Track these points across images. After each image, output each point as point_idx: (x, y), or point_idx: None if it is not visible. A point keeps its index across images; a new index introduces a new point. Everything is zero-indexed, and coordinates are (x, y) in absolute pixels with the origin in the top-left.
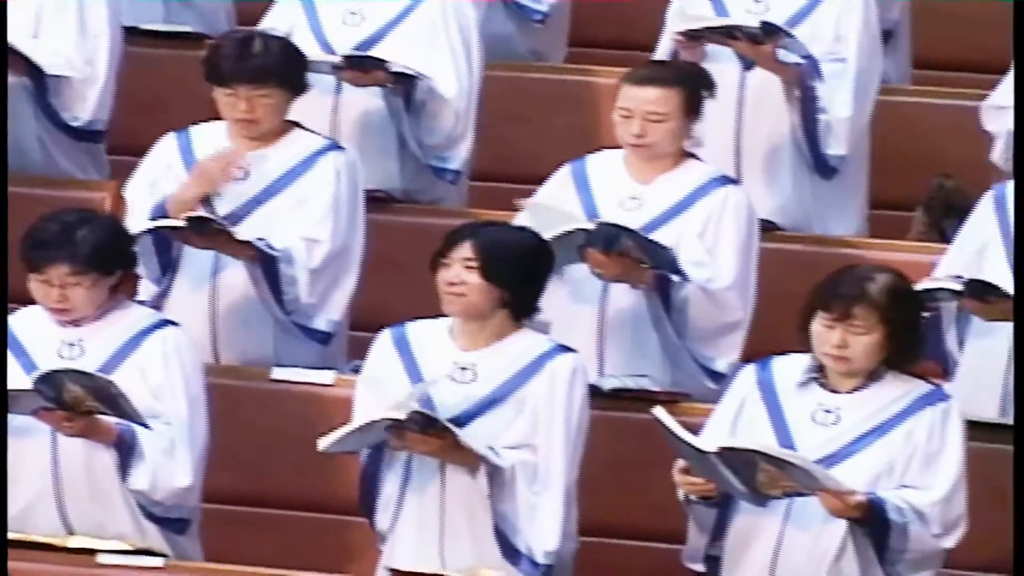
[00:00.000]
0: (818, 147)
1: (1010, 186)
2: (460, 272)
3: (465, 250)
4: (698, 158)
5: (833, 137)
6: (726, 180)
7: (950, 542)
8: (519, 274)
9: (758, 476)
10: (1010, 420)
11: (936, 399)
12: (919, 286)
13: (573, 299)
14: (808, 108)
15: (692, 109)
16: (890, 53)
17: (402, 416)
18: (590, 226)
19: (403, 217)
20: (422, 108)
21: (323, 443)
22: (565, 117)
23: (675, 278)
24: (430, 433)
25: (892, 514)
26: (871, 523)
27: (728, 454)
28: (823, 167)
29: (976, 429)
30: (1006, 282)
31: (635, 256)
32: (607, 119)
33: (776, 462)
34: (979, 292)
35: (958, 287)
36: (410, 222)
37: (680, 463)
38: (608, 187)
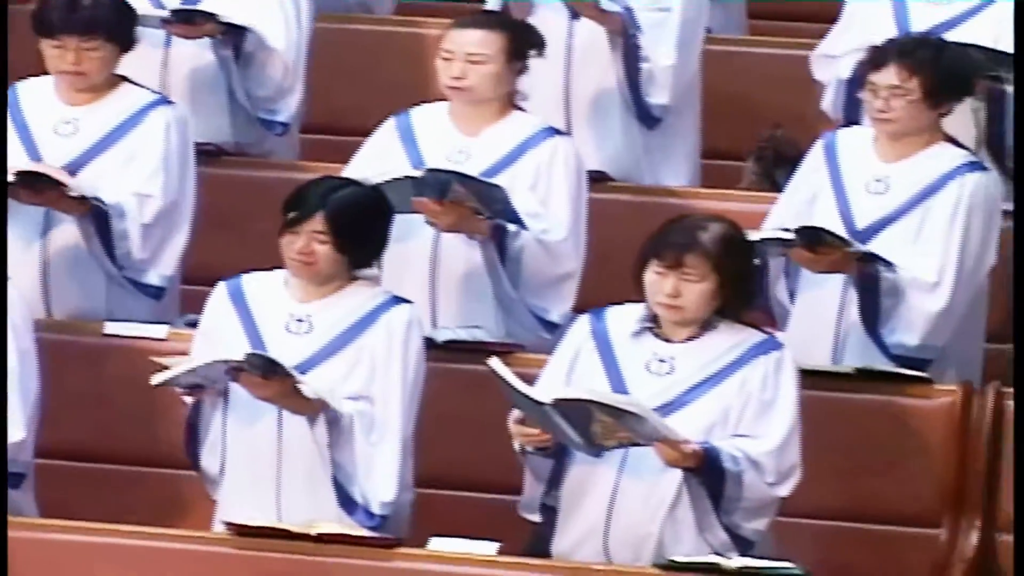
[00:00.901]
0: (640, 96)
1: (841, 134)
2: (310, 243)
3: (316, 223)
4: (524, 111)
5: (655, 86)
6: (554, 131)
7: (785, 490)
8: (366, 237)
9: (593, 427)
10: (842, 368)
11: (769, 348)
12: (751, 237)
13: (405, 250)
14: (630, 57)
15: (515, 55)
16: (723, 4)
17: (240, 358)
18: (418, 174)
19: (234, 170)
20: (251, 60)
21: (157, 378)
22: (394, 69)
23: (511, 228)
24: (270, 378)
25: (727, 463)
26: (706, 472)
27: (564, 405)
28: (646, 116)
29: (809, 377)
30: (833, 226)
31: (470, 205)
32: (436, 72)
33: (612, 412)
34: (810, 239)
35: (789, 236)
36: (241, 175)
37: (516, 414)
38: (435, 140)
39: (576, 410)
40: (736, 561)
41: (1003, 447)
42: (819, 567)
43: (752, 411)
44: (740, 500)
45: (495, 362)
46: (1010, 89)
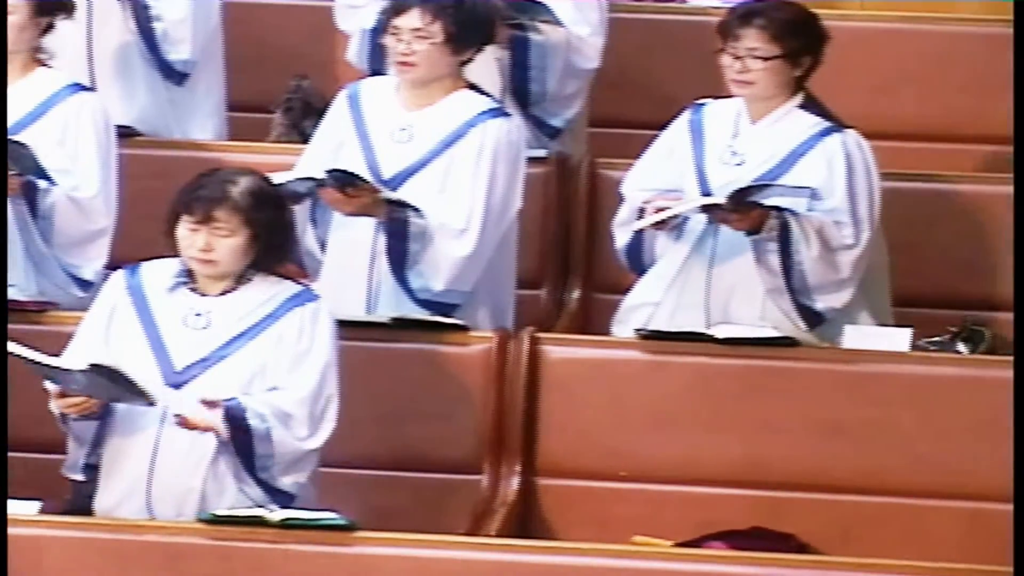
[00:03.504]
0: (159, 54)
1: (364, 84)
2: None
3: None
4: (50, 67)
5: (172, 42)
6: (80, 87)
7: (316, 442)
8: None
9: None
10: (378, 317)
11: (305, 300)
12: (277, 179)
13: None
14: (140, 17)
15: (39, 11)
16: None
17: None
18: None
19: None
20: None
21: None
22: None
23: (42, 184)
24: None
25: (252, 420)
26: (233, 432)
27: (98, 369)
28: (171, 73)
29: (346, 328)
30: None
31: None
32: None
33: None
34: (341, 180)
35: (319, 176)
36: None
37: (53, 387)
38: None
39: (110, 368)
40: (279, 513)
41: (539, 392)
42: (363, 516)
43: (287, 363)
44: (272, 456)
45: (15, 347)
46: (533, 36)
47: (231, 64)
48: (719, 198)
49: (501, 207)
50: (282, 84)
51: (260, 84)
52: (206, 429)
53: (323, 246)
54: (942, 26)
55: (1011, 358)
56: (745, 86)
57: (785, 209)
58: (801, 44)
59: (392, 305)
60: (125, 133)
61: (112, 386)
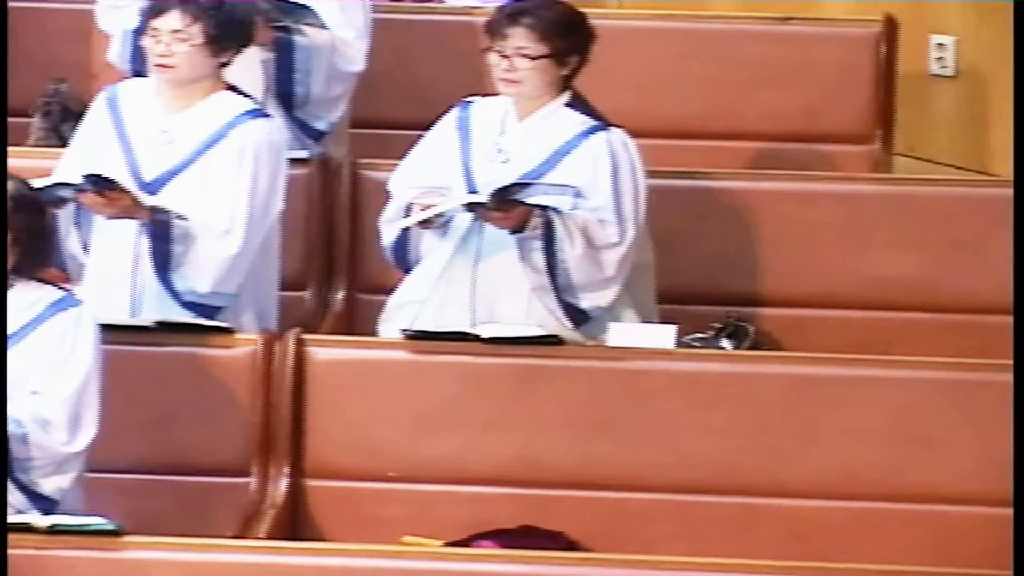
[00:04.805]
0: None
1: (123, 86)
2: None
3: None
4: None
5: None
6: None
7: (79, 445)
8: None
9: None
10: (142, 321)
11: (68, 305)
12: (37, 184)
13: None
14: None
15: None
16: None
17: None
18: None
19: None
20: None
21: None
22: None
23: None
24: None
25: (11, 426)
26: None
27: None
28: None
29: (109, 332)
30: (121, 178)
31: None
32: None
33: None
34: (99, 184)
35: (77, 181)
36: None
37: None
38: None
39: None
40: (46, 519)
41: (306, 393)
42: (130, 520)
43: (49, 367)
44: (31, 460)
45: None
46: (298, 39)
47: None
48: (482, 196)
49: (263, 208)
50: (39, 87)
51: (17, 88)
52: None
53: (86, 248)
54: (699, 24)
55: (776, 353)
56: (512, 85)
57: (549, 207)
58: (569, 44)
59: (156, 308)
60: None
61: None
